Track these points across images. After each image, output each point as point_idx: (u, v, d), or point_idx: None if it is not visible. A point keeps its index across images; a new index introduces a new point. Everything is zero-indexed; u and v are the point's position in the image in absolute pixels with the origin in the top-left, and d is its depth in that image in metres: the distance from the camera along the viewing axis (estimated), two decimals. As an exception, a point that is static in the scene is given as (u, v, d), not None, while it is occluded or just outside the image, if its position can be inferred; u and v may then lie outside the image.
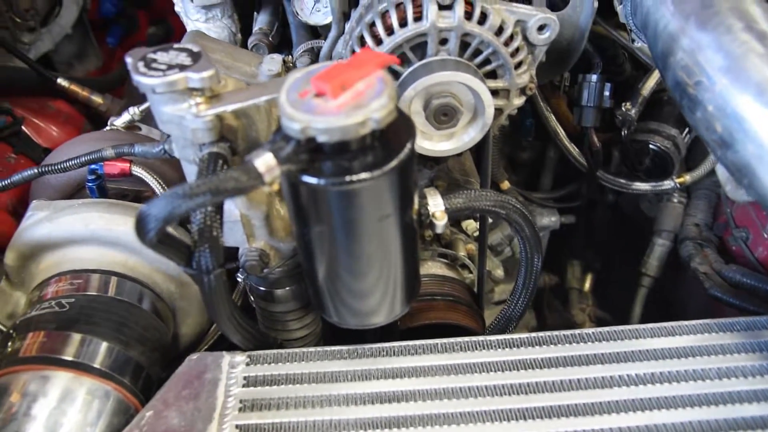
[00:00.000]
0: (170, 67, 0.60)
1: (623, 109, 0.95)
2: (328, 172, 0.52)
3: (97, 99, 1.16)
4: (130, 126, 1.00)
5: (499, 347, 0.71)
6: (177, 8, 1.02)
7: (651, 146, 0.96)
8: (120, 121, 1.00)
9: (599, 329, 0.72)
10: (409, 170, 0.57)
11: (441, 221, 0.64)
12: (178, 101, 0.61)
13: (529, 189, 1.11)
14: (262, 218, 0.70)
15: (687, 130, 0.99)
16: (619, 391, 0.66)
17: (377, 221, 0.57)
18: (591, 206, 1.31)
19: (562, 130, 0.99)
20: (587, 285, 1.28)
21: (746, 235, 0.97)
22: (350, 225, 0.56)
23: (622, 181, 1.02)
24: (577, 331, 0.72)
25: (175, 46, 0.63)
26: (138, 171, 0.85)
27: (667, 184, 1.02)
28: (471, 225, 1.04)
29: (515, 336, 0.72)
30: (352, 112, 0.50)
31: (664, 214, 1.05)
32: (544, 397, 0.66)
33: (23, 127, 1.11)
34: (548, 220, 1.09)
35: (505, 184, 1.03)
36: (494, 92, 0.76)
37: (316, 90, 0.52)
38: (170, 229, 0.60)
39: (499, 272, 1.09)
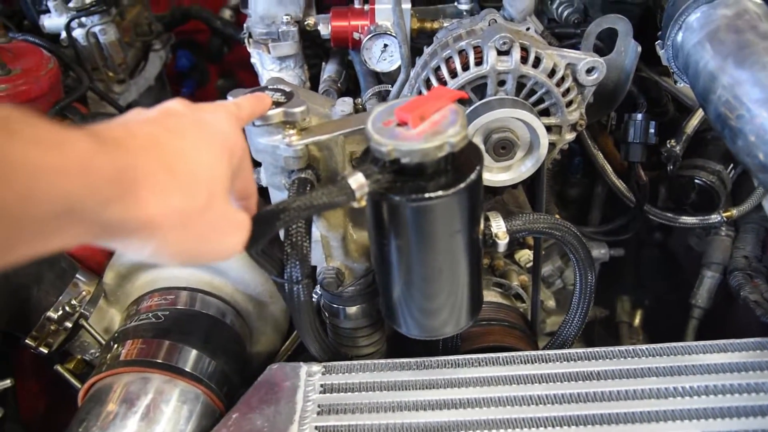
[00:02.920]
0: (267, 104, 0.70)
1: (668, 145, 1.01)
2: (407, 190, 0.60)
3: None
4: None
5: (557, 360, 0.76)
6: (253, 59, 1.14)
7: (696, 181, 1.01)
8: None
9: (652, 345, 0.77)
10: (476, 192, 0.64)
11: (503, 240, 0.71)
12: (272, 133, 0.71)
13: (578, 224, 1.16)
14: (340, 239, 0.78)
15: (732, 165, 1.04)
16: (674, 401, 0.70)
17: (448, 236, 0.64)
18: (639, 245, 1.35)
19: (610, 167, 1.05)
20: (637, 320, 1.31)
21: (795, 265, 1.00)
22: (424, 238, 0.63)
23: (669, 215, 1.06)
24: (631, 347, 0.77)
25: (270, 86, 0.74)
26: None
27: (714, 218, 1.06)
28: (524, 257, 1.10)
29: (572, 351, 0.77)
30: (431, 137, 0.58)
31: (713, 247, 1.09)
32: (601, 405, 0.70)
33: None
34: (597, 252, 1.14)
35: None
36: (547, 128, 0.83)
37: (399, 119, 0.60)
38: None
39: (551, 303, 1.14)
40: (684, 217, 1.07)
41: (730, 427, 0.67)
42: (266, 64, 1.12)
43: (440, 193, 0.60)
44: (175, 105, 0.52)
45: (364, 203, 0.61)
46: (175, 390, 0.76)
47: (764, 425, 0.66)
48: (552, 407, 0.71)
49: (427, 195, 0.59)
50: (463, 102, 0.83)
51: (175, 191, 0.44)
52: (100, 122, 0.45)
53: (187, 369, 0.78)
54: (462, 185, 0.60)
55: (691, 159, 1.05)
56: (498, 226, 0.71)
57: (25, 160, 0.35)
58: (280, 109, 0.69)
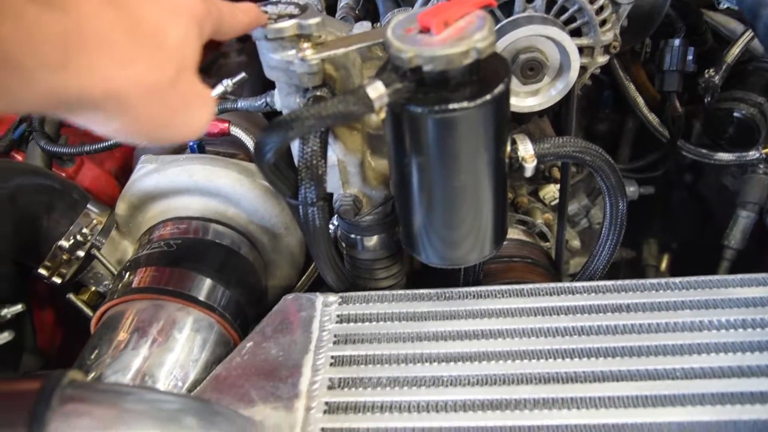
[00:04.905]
0: (280, 16, 0.65)
1: (706, 75, 0.95)
2: (430, 101, 0.56)
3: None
4: (223, 97, 1.07)
5: (584, 292, 0.73)
6: (268, -12, 1.09)
7: (735, 114, 0.95)
8: (214, 93, 1.06)
9: (685, 278, 0.73)
10: (503, 106, 0.60)
11: (530, 164, 0.67)
12: (286, 48, 0.66)
13: (606, 161, 1.12)
14: (358, 165, 0.74)
15: (774, 98, 0.98)
16: (709, 334, 0.66)
17: (472, 153, 0.60)
18: (668, 187, 1.30)
19: (642, 100, 1.00)
20: (664, 264, 1.27)
21: (837, 204, 0.95)
22: (447, 155, 0.59)
23: (704, 151, 1.01)
24: (663, 280, 0.73)
25: (283, 0, 0.69)
26: (236, 131, 0.91)
27: (752, 154, 1.00)
28: (549, 194, 1.06)
29: (600, 283, 0.73)
30: (456, 42, 0.53)
31: (749, 186, 1.03)
32: (631, 337, 0.67)
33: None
34: (626, 190, 1.09)
35: (584, 154, 1.04)
36: (579, 50, 0.78)
37: (422, 25, 0.56)
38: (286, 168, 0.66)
39: (576, 243, 1.10)
40: (720, 154, 1.01)
41: (768, 361, 0.63)
42: (281, -8, 1.06)
43: (465, 104, 0.55)
44: None
45: (383, 115, 0.57)
46: (189, 318, 0.75)
47: (805, 358, 0.63)
48: (578, 338, 0.68)
49: (451, 106, 0.55)
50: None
51: (141, 59, 0.41)
52: None
53: (201, 297, 0.76)
54: (488, 96, 0.56)
55: (730, 91, 0.99)
56: (525, 149, 0.67)
57: None
58: (293, 21, 0.64)
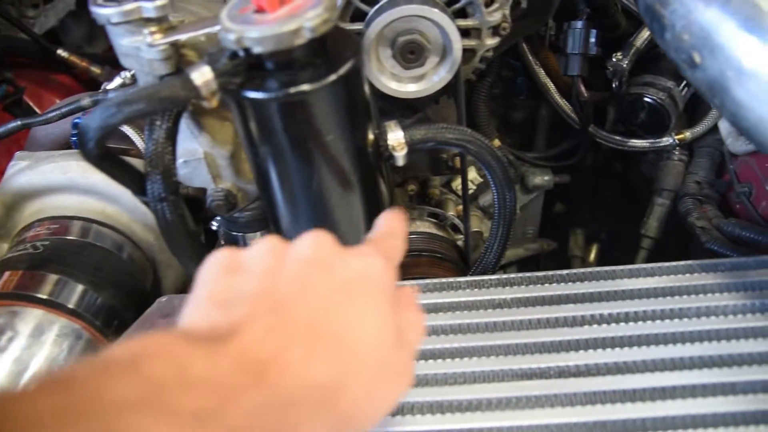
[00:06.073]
0: (127, -1, 0.61)
1: (614, 59, 0.92)
2: (268, 86, 0.52)
3: (96, 69, 1.19)
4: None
5: (467, 288, 0.69)
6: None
7: (645, 98, 0.92)
8: (112, 85, 1.01)
9: (573, 270, 0.69)
10: (353, 88, 0.56)
11: (400, 153, 0.63)
12: (134, 33, 0.61)
13: (523, 150, 1.08)
14: (227, 158, 0.70)
15: (684, 83, 0.95)
16: (589, 329, 0.63)
17: (323, 141, 0.56)
18: (596, 175, 1.28)
19: (553, 86, 0.96)
20: (592, 256, 1.24)
21: (749, 190, 0.92)
22: (295, 144, 0.55)
23: (618, 138, 0.98)
24: (549, 273, 0.70)
25: (134, -20, 0.64)
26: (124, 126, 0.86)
27: (666, 140, 0.98)
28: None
29: (484, 278, 0.70)
30: (286, 21, 0.49)
31: (664, 173, 1.01)
32: (509, 335, 0.64)
33: (25, 97, 1.14)
34: (541, 179, 1.06)
35: (495, 143, 1.01)
36: (465, 32, 0.74)
37: (256, 5, 0.52)
38: (126, 159, 0.61)
39: (492, 235, 1.06)
40: (633, 140, 0.98)
41: (646, 356, 0.60)
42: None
43: (304, 87, 0.51)
44: (317, 251, 0.42)
45: (215, 103, 0.52)
46: (53, 327, 0.70)
47: (683, 353, 0.60)
48: (454, 337, 0.64)
49: (292, 90, 0.51)
50: (372, 2, 0.73)
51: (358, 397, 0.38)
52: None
53: (67, 304, 0.72)
54: (333, 77, 0.52)
55: (640, 76, 0.96)
56: (395, 137, 0.63)
57: None
58: (136, 3, 0.59)
